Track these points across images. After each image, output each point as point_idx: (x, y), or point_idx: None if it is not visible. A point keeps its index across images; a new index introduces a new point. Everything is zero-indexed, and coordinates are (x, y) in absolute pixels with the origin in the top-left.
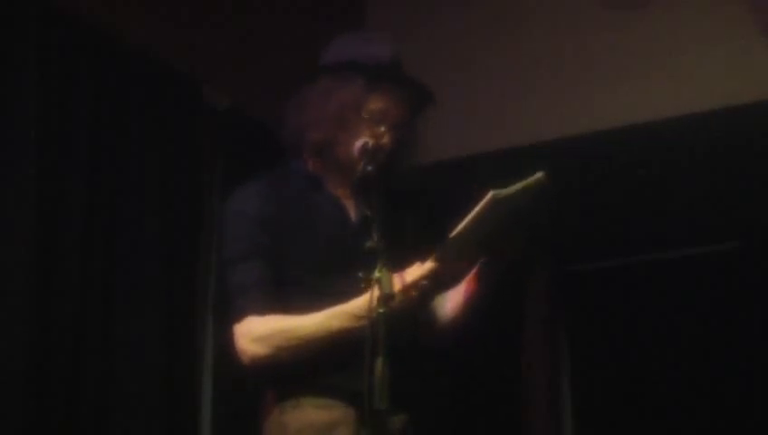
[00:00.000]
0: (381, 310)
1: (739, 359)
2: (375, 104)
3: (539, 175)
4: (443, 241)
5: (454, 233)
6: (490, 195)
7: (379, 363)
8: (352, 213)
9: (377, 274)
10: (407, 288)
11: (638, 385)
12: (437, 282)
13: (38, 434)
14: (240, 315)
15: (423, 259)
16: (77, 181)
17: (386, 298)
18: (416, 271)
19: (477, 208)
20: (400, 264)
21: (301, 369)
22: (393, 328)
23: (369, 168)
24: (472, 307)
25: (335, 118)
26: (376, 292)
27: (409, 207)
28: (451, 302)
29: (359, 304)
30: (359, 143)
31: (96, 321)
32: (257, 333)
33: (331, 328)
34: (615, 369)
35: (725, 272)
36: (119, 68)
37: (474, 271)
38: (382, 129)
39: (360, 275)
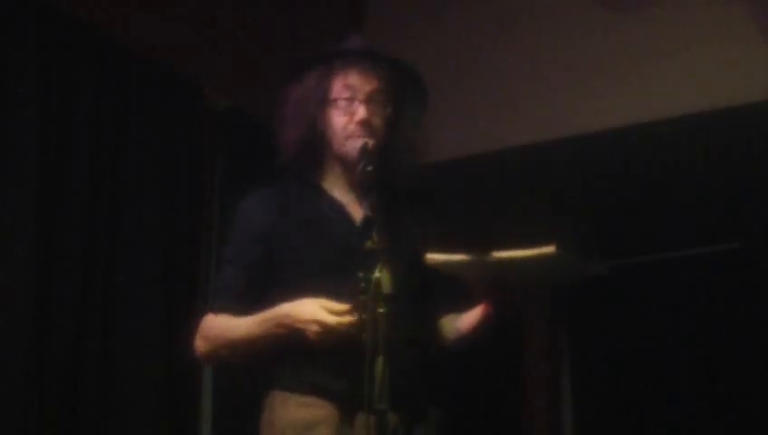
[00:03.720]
0: (381, 310)
1: (739, 359)
2: (340, 84)
3: (551, 249)
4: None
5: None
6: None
7: (380, 363)
8: (357, 216)
9: (377, 274)
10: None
11: (637, 385)
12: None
13: (38, 434)
14: (206, 313)
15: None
16: (77, 181)
17: (386, 298)
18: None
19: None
20: (400, 263)
21: (290, 367)
22: (394, 329)
23: (370, 168)
24: (476, 337)
25: (300, 111)
26: (369, 293)
27: (409, 206)
28: (457, 326)
29: (281, 311)
30: (357, 144)
31: (96, 321)
32: (204, 330)
33: (254, 333)
34: (615, 369)
35: (725, 272)
36: (119, 68)
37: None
38: (355, 105)
39: (360, 274)
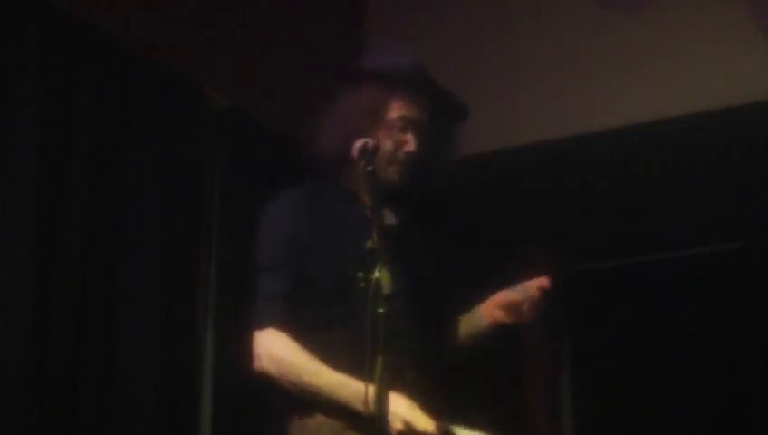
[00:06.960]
0: (381, 310)
1: (739, 359)
2: (397, 108)
3: None
4: None
5: None
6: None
7: (380, 364)
8: (389, 223)
9: (377, 274)
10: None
11: (637, 385)
12: None
13: (38, 434)
14: (264, 324)
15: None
16: (77, 181)
17: (385, 298)
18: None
19: None
20: (401, 262)
21: None
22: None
23: (370, 168)
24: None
25: (352, 125)
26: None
27: (424, 210)
28: (470, 327)
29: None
30: (358, 143)
31: (96, 321)
32: (277, 353)
33: (335, 395)
34: (615, 369)
35: (725, 272)
36: (119, 68)
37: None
38: (408, 136)
39: (360, 274)
